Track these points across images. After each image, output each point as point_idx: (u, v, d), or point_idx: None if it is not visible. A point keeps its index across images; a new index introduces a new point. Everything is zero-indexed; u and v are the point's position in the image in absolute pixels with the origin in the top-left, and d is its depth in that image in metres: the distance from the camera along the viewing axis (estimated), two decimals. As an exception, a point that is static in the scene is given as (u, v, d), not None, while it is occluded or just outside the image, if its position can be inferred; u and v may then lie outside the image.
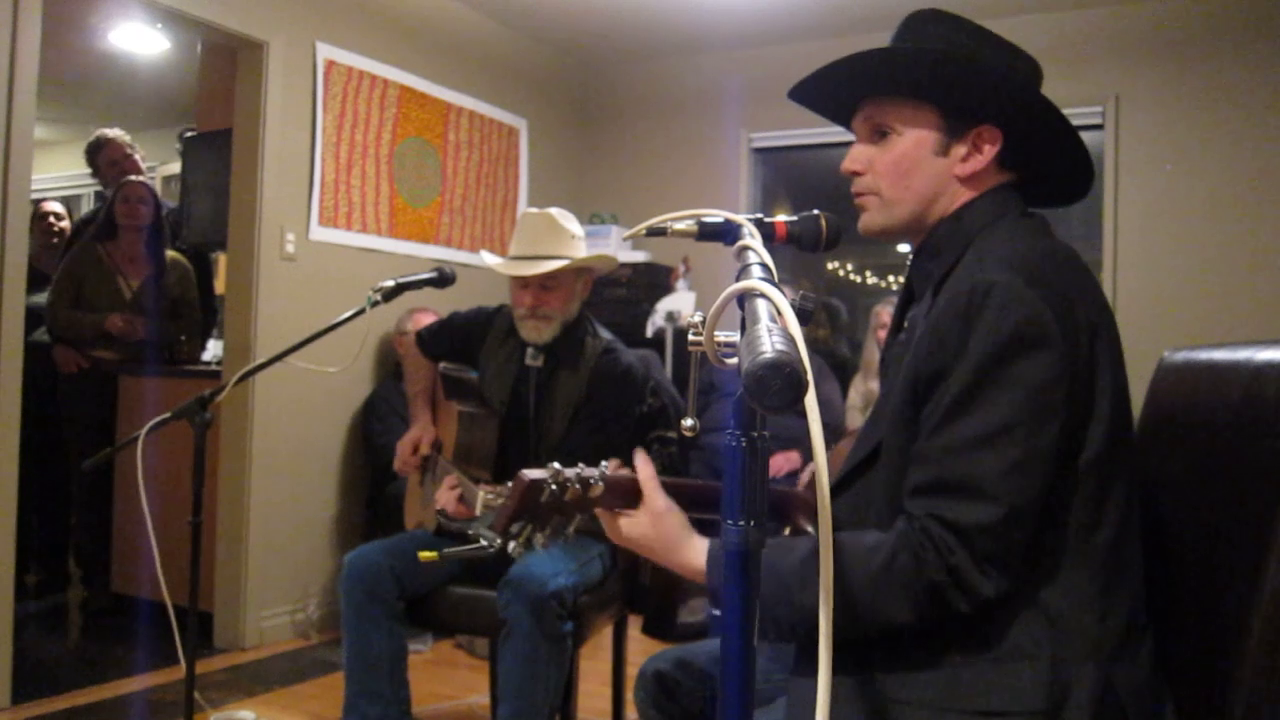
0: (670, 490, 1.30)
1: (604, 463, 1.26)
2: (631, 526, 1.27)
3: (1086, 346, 1.13)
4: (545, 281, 2.37)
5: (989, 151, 1.26)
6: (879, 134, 1.30)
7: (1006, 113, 1.25)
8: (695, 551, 1.24)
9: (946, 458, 1.12)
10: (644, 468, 1.30)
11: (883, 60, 1.26)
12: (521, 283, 2.39)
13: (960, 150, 1.27)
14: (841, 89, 1.32)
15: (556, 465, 1.18)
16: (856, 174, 1.32)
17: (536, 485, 1.16)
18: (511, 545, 1.22)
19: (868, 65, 1.27)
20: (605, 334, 2.51)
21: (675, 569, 1.26)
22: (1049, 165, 1.31)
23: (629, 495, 1.27)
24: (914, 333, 1.24)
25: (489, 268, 2.48)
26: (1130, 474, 1.18)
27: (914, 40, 1.28)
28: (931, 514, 1.12)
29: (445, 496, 2.28)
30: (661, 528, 1.26)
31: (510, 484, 1.21)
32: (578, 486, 1.19)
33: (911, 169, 1.27)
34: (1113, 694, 1.12)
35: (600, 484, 1.22)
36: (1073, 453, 1.13)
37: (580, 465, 1.23)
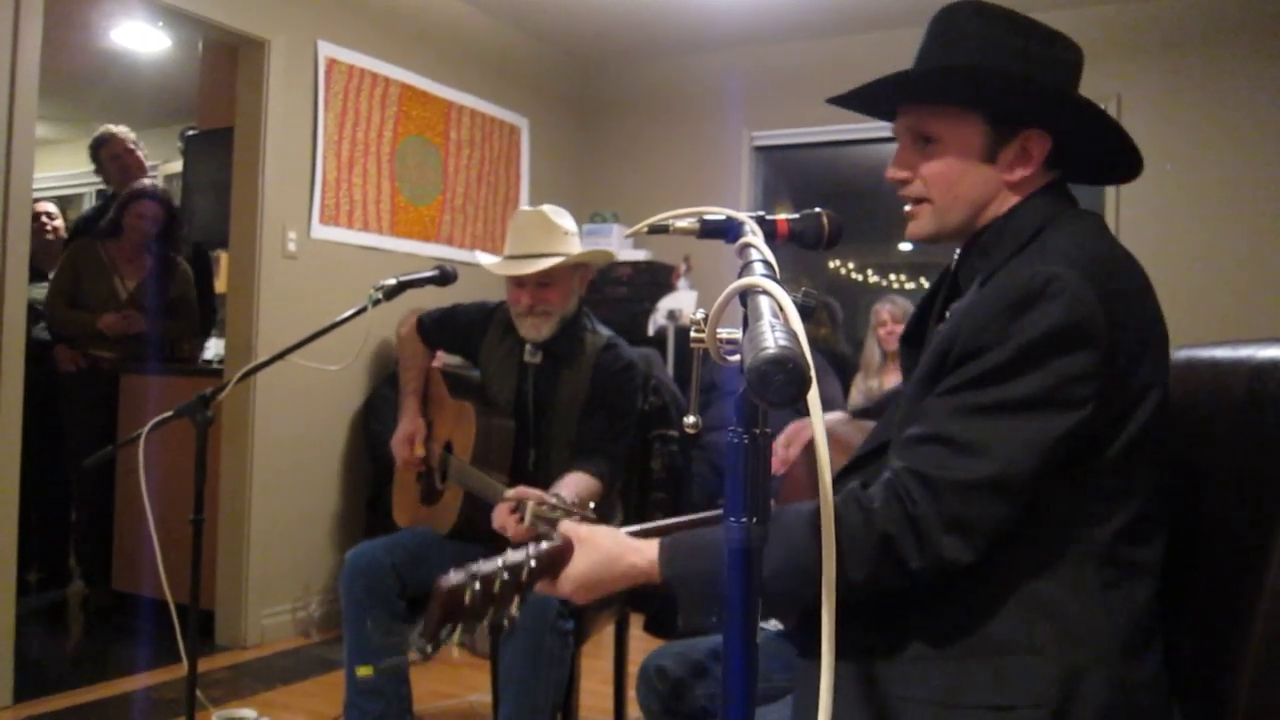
0: (654, 531, 1.27)
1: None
2: (571, 569, 1.23)
3: (1131, 348, 1.12)
4: (542, 279, 2.36)
5: (1038, 156, 1.24)
6: (923, 141, 1.27)
7: (1052, 116, 1.23)
8: (639, 551, 1.21)
9: (952, 415, 1.11)
10: (563, 525, 1.28)
11: (926, 77, 1.25)
12: (518, 282, 2.39)
13: (1008, 155, 1.25)
14: (883, 99, 1.30)
15: (473, 566, 1.14)
16: (903, 181, 1.30)
17: (455, 593, 1.11)
18: (444, 647, 1.17)
19: (910, 80, 1.25)
20: (604, 330, 2.50)
21: (628, 581, 1.21)
22: (1093, 157, 1.31)
23: (564, 559, 1.23)
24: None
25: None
26: (1155, 475, 1.17)
27: (952, 38, 1.25)
28: (909, 467, 1.10)
29: (505, 519, 2.07)
30: (594, 546, 1.23)
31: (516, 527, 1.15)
32: (505, 576, 1.15)
33: (960, 177, 1.26)
34: (1123, 692, 1.12)
35: (533, 563, 1.18)
36: (1090, 450, 1.12)
37: (508, 550, 1.18)
